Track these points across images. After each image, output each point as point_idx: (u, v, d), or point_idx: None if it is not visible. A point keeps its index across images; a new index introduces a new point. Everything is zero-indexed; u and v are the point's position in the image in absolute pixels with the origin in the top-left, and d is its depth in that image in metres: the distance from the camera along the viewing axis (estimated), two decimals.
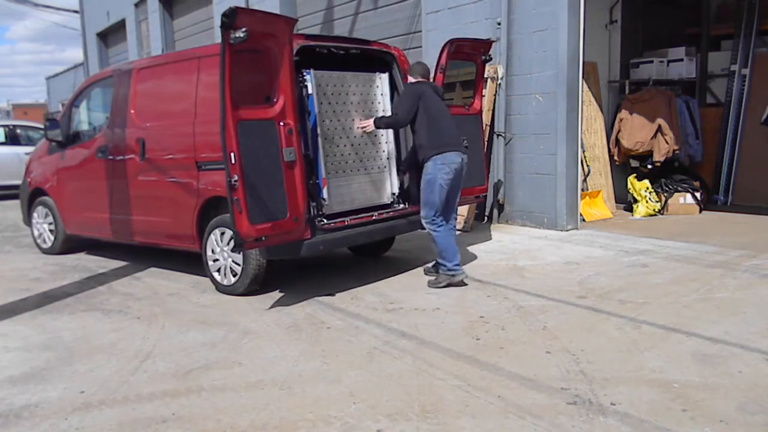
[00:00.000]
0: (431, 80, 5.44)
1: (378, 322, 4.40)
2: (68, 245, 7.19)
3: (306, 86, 5.06)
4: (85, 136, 6.88)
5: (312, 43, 5.23)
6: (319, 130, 5.11)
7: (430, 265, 5.65)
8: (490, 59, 6.29)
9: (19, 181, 8.29)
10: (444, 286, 5.13)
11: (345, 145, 5.39)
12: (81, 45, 21.62)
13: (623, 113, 8.63)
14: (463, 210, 7.33)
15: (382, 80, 5.70)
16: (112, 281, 5.91)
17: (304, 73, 5.05)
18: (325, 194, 5.11)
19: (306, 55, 5.09)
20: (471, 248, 6.57)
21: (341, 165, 5.36)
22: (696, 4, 9.61)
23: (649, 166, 8.66)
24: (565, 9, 7.03)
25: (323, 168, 5.12)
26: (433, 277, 5.33)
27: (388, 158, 5.74)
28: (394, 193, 5.76)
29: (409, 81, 5.40)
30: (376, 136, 5.62)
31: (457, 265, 5.17)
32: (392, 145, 5.74)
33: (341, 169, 5.36)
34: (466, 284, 5.18)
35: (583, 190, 7.84)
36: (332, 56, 5.49)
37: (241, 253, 5.00)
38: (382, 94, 5.70)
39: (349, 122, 5.42)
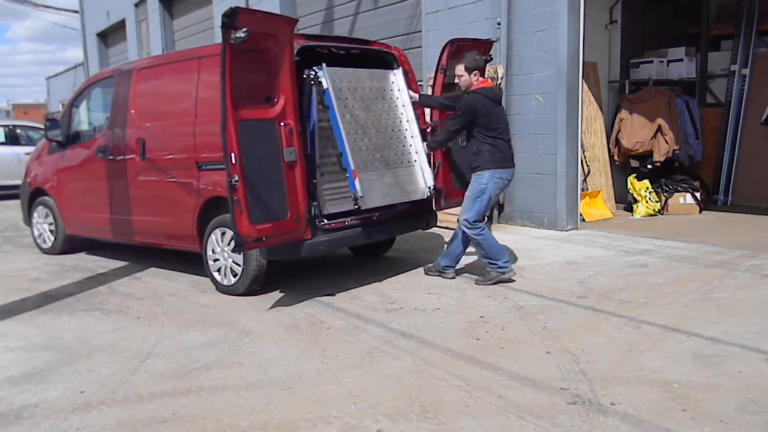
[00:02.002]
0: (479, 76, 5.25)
1: (378, 322, 4.40)
2: (68, 245, 7.19)
3: (320, 82, 4.93)
4: (86, 136, 6.88)
5: (312, 43, 5.22)
6: (340, 124, 4.92)
7: (430, 265, 5.65)
8: (491, 59, 6.27)
9: (19, 181, 8.30)
10: (494, 283, 5.16)
11: (370, 139, 5.25)
12: (81, 45, 21.63)
13: (623, 113, 8.63)
14: None
15: (396, 76, 5.63)
16: (112, 281, 5.91)
17: (317, 69, 4.94)
18: (357, 187, 4.86)
19: (306, 55, 5.09)
20: (471, 248, 6.56)
21: (369, 159, 5.19)
22: (696, 4, 9.61)
23: (649, 166, 8.66)
24: (565, 9, 7.03)
25: (351, 161, 4.90)
26: (486, 274, 5.28)
27: (416, 152, 5.56)
28: (429, 187, 5.55)
29: (466, 77, 5.19)
30: (399, 130, 5.53)
31: (507, 262, 5.23)
32: (419, 139, 5.58)
33: (369, 162, 5.19)
34: (514, 281, 5.22)
35: (583, 190, 7.85)
36: (333, 56, 5.49)
37: (242, 253, 5.00)
38: (399, 90, 5.61)
39: (369, 117, 5.30)
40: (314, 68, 4.93)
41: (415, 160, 5.59)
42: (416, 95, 5.68)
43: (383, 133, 5.39)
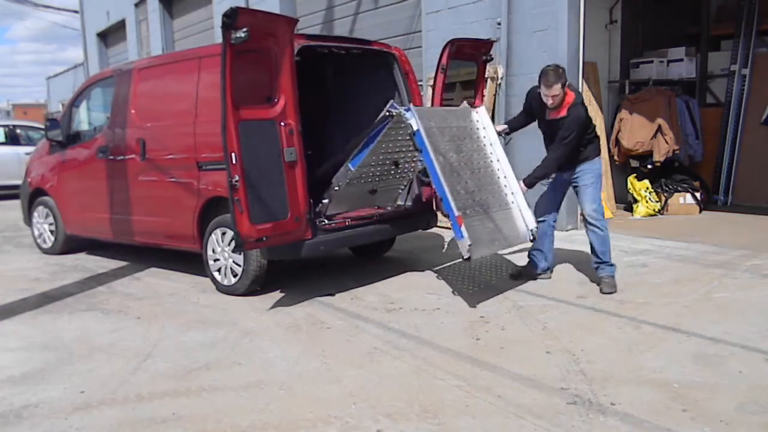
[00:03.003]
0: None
1: (378, 322, 4.40)
2: (68, 245, 7.19)
3: (410, 123, 4.61)
4: (86, 136, 6.88)
5: (313, 43, 5.23)
6: (437, 167, 4.53)
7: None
8: (491, 59, 6.28)
9: (19, 181, 8.30)
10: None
11: (466, 182, 4.77)
12: (81, 45, 21.63)
13: (623, 113, 8.63)
14: None
15: (479, 114, 5.33)
16: (112, 281, 5.92)
17: (404, 111, 4.65)
18: (464, 234, 4.32)
19: (307, 55, 5.09)
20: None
21: (468, 203, 4.66)
22: (696, 4, 9.61)
23: (649, 166, 8.65)
24: (565, 9, 7.03)
25: (454, 206, 4.43)
26: (607, 282, 4.94)
27: (512, 192, 5.09)
28: (532, 230, 4.98)
29: (562, 94, 4.80)
30: (492, 170, 5.09)
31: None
32: (513, 179, 5.12)
33: (469, 207, 4.66)
34: None
35: None
36: (333, 56, 5.49)
37: (242, 253, 5.00)
38: (484, 127, 5.25)
39: (462, 158, 4.87)
40: (398, 107, 4.70)
41: (513, 202, 5.05)
42: (504, 126, 5.44)
43: (477, 174, 4.91)
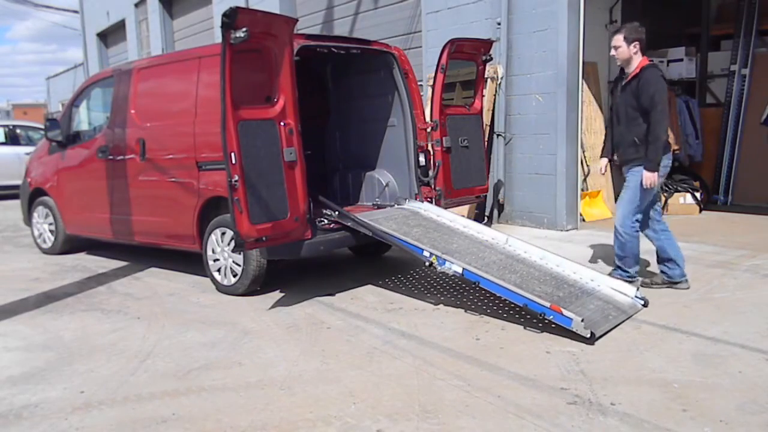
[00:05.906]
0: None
1: (378, 322, 4.40)
2: (68, 245, 7.19)
3: (454, 272, 4.56)
4: (86, 136, 6.89)
5: (312, 43, 5.24)
6: (503, 283, 4.37)
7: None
8: (491, 59, 6.30)
9: (19, 181, 8.30)
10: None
11: (541, 287, 4.55)
12: (81, 45, 21.63)
13: None
14: (463, 210, 7.33)
15: (511, 243, 5.16)
16: (112, 281, 5.92)
17: (439, 266, 4.61)
18: (569, 315, 3.95)
19: (307, 55, 5.09)
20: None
21: (554, 299, 4.31)
22: (696, 4, 9.61)
23: None
24: (565, 9, 7.04)
25: (540, 300, 4.14)
26: (647, 279, 4.94)
27: (592, 279, 4.73)
28: (635, 296, 4.53)
29: (624, 48, 4.57)
30: (555, 273, 4.78)
31: (638, 271, 4.91)
32: (585, 270, 4.79)
33: (557, 301, 4.30)
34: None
35: (583, 190, 7.85)
36: (333, 56, 5.49)
37: (242, 253, 5.00)
38: (525, 252, 5.07)
39: (521, 275, 4.67)
40: (436, 264, 4.60)
41: (598, 286, 4.63)
42: (606, 160, 5.10)
43: (546, 280, 4.66)
